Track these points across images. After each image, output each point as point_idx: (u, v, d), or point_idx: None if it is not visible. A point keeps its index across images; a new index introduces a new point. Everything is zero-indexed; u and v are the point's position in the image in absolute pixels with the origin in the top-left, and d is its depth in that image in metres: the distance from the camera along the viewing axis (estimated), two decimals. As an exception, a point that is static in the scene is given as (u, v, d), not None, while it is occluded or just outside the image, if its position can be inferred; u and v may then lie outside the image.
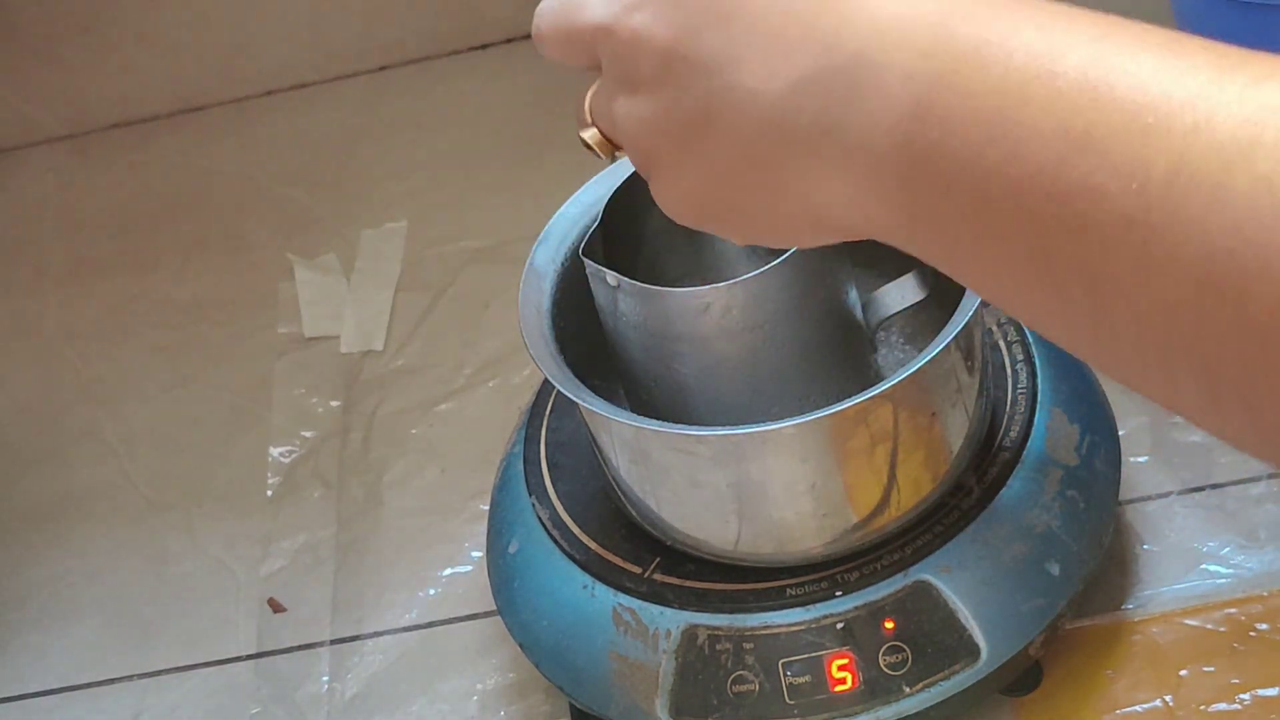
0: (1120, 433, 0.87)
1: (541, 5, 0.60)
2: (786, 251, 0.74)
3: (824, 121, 0.50)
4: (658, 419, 0.77)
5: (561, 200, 0.85)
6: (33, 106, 1.35)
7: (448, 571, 0.97)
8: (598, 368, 0.81)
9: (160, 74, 1.33)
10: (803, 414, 0.74)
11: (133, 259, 1.24)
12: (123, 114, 1.35)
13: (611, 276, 0.76)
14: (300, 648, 0.96)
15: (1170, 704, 0.81)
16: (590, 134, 0.60)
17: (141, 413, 1.13)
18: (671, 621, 0.80)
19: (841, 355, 0.80)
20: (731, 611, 0.79)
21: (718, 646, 0.79)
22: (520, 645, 0.85)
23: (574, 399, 0.77)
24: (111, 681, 0.98)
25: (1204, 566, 0.86)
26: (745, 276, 0.75)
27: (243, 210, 1.25)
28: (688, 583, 0.81)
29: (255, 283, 1.18)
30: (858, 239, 0.52)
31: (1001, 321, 0.87)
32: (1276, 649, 0.82)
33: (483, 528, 0.91)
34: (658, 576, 0.81)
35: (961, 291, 0.76)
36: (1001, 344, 0.86)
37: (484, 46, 1.33)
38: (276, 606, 0.98)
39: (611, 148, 0.60)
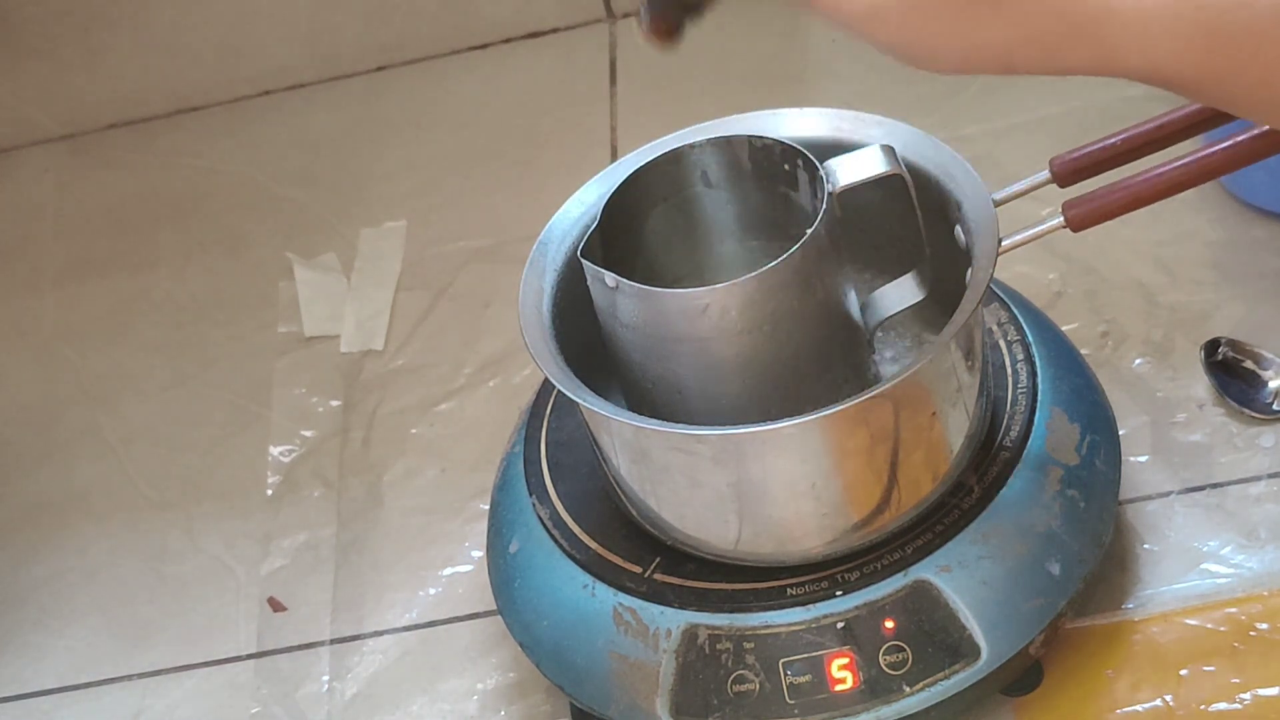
0: (1120, 433, 0.87)
1: None
2: (785, 253, 0.74)
3: None
4: (657, 419, 0.77)
5: (561, 200, 0.85)
6: (31, 106, 1.35)
7: (448, 571, 0.97)
8: (598, 368, 0.81)
9: (159, 74, 1.33)
10: (802, 414, 0.74)
11: (132, 259, 1.24)
12: (121, 114, 1.35)
13: (610, 277, 0.76)
14: (300, 647, 0.96)
15: (1170, 704, 0.81)
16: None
17: (141, 412, 1.13)
18: (672, 621, 0.80)
19: (840, 355, 0.80)
20: (732, 611, 0.79)
21: (718, 646, 0.79)
22: (520, 645, 0.85)
23: (574, 399, 0.77)
24: (111, 681, 0.98)
25: (1204, 566, 0.86)
26: (744, 278, 0.75)
27: (243, 210, 1.25)
28: (688, 582, 0.81)
29: (255, 283, 1.19)
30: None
31: (1001, 321, 0.87)
32: (1276, 649, 0.82)
33: (483, 527, 0.91)
34: (658, 576, 0.81)
35: (961, 291, 0.76)
36: (1001, 344, 0.86)
37: (484, 46, 1.33)
38: (276, 606, 0.98)
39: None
